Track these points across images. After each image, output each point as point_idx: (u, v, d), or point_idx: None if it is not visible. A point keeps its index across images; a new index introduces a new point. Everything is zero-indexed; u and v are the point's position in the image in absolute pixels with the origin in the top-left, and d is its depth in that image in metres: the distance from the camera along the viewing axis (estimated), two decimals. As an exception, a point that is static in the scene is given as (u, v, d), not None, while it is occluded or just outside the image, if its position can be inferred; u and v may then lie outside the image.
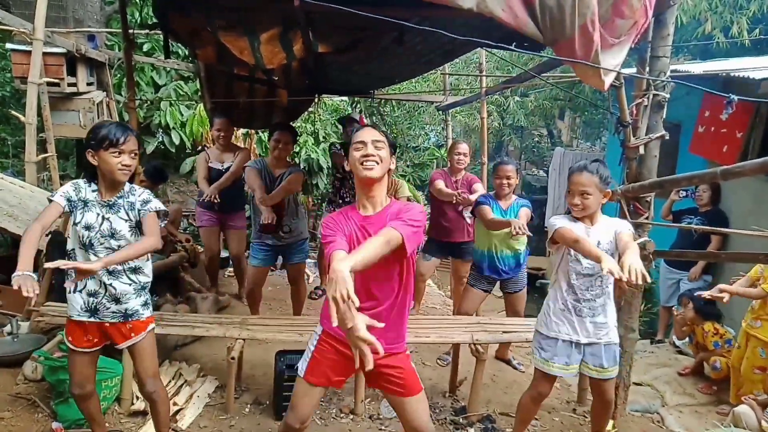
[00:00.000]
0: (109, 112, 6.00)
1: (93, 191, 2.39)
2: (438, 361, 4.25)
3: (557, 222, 2.62)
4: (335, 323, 1.64)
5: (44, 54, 5.05)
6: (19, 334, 3.47)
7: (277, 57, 3.37)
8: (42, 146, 4.97)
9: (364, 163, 2.05)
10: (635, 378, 4.34)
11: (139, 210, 2.38)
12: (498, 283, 3.99)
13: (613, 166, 2.94)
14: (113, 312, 2.41)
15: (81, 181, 2.41)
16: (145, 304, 2.49)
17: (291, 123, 6.22)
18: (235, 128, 5.06)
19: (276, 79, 4.95)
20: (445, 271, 6.07)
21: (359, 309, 1.69)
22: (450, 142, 5.85)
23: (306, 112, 7.03)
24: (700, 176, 2.64)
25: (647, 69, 2.89)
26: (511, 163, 3.79)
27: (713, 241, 4.75)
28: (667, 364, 4.60)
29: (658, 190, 2.94)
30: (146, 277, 2.50)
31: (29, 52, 4.32)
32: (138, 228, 2.41)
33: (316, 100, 6.38)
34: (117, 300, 2.40)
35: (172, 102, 7.03)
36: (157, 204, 2.42)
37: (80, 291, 2.38)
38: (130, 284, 2.42)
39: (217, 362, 3.76)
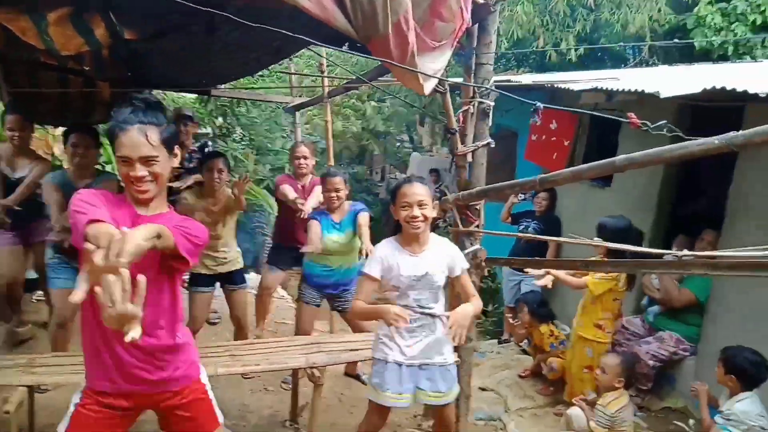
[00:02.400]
0: None
1: None
2: (282, 384, 3.92)
3: (370, 264, 2.44)
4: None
5: None
6: None
7: (72, 42, 2.86)
8: None
9: (137, 186, 1.69)
10: (480, 382, 4.41)
11: None
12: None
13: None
14: None
15: None
16: None
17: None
18: (34, 127, 4.27)
19: (87, 69, 4.31)
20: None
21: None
22: (299, 146, 5.55)
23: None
24: (521, 184, 2.66)
25: (472, 77, 2.85)
26: (338, 175, 3.57)
27: (550, 244, 5.02)
28: (510, 366, 4.74)
29: (485, 198, 2.91)
30: None
31: None
32: None
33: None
34: None
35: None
36: None
37: None
38: None
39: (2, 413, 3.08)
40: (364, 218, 3.50)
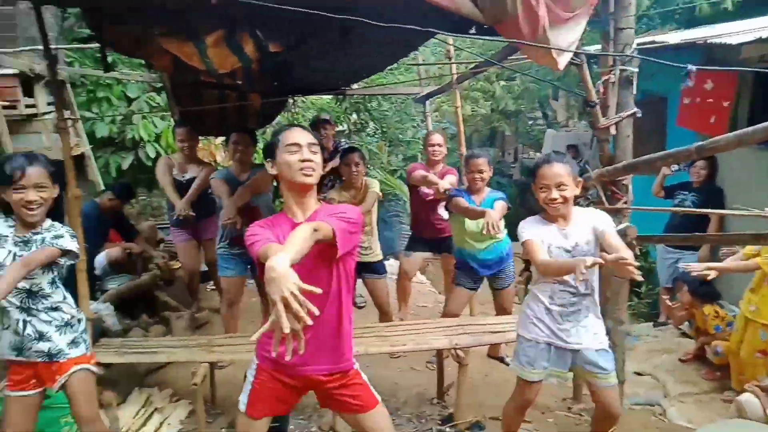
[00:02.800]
0: (75, 131, 5.83)
1: (10, 226, 2.21)
2: (428, 364, 4.06)
3: (525, 232, 2.40)
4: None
5: (-5, 77, 4.91)
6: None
7: (228, 60, 3.23)
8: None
9: (304, 170, 1.90)
10: (636, 367, 4.16)
11: (48, 242, 2.19)
12: (485, 279, 3.81)
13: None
14: (37, 351, 2.24)
15: None
16: (73, 342, 2.31)
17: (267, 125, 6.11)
18: (199, 137, 4.87)
19: (240, 83, 4.79)
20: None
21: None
22: (431, 134, 5.64)
23: (287, 114, 6.87)
24: (674, 155, 2.45)
25: (611, 44, 2.68)
26: (482, 156, 3.58)
27: (712, 218, 4.53)
28: (669, 350, 4.40)
29: (634, 172, 2.73)
30: (68, 314, 2.32)
31: (-24, 76, 4.15)
32: (50, 267, 2.22)
33: (291, 101, 6.20)
34: (40, 338, 2.23)
35: (145, 115, 6.85)
36: (66, 243, 2.21)
37: (6, 328, 2.22)
38: (50, 321, 2.25)
39: (192, 386, 3.59)
40: (501, 207, 3.49)
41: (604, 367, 2.42)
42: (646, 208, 2.98)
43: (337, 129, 7.52)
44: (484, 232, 3.05)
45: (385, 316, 4.16)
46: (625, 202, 2.81)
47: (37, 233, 2.21)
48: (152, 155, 6.89)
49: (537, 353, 2.48)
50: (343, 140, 5.95)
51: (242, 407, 2.04)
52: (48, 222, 2.25)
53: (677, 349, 4.38)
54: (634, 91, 2.75)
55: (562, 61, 2.21)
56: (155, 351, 3.20)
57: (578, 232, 2.37)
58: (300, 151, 1.90)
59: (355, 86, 6.17)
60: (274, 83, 5.10)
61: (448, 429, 3.16)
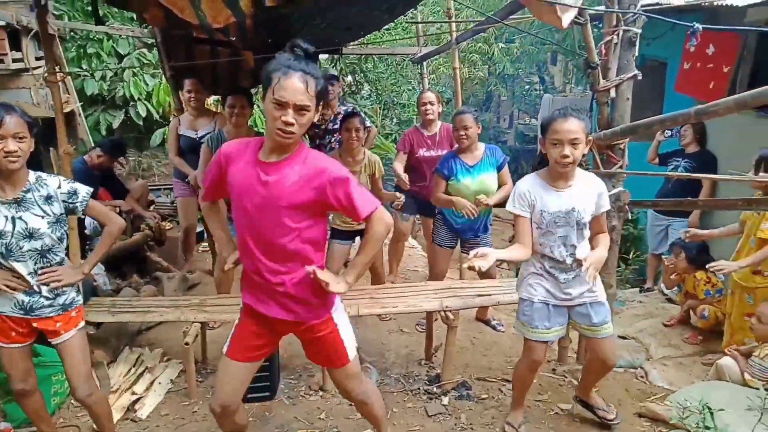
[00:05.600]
0: (65, 87, 5.67)
1: None
2: (417, 327, 4.10)
3: (517, 204, 2.41)
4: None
5: (-21, 28, 4.73)
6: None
7: (221, 14, 3.10)
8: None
9: (282, 130, 1.77)
10: (620, 331, 4.22)
11: (71, 204, 2.22)
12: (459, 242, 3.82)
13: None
14: (50, 307, 2.25)
15: None
16: (78, 291, 2.36)
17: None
18: (206, 91, 4.75)
19: (234, 39, 4.65)
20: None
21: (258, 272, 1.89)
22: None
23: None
24: (672, 118, 2.41)
25: (616, 3, 2.60)
26: (467, 113, 3.49)
27: (704, 184, 4.53)
28: (653, 315, 4.46)
29: (632, 136, 2.70)
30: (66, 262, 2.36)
31: (-40, 27, 4.00)
32: (58, 223, 2.21)
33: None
34: (56, 296, 2.25)
35: (136, 72, 6.69)
36: (86, 190, 2.27)
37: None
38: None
39: (182, 345, 3.61)
40: (507, 175, 3.56)
41: (600, 320, 2.47)
42: (641, 173, 2.96)
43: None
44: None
45: (377, 279, 4.18)
46: (621, 167, 2.78)
47: (26, 191, 2.15)
48: (143, 114, 6.79)
49: (534, 312, 2.51)
50: (354, 106, 5.76)
51: (224, 350, 2.11)
52: (33, 175, 2.19)
53: (662, 314, 4.43)
54: (636, 54, 2.69)
55: (566, 18, 2.14)
56: (147, 310, 3.20)
57: (578, 196, 2.35)
58: (286, 112, 1.75)
59: (350, 46, 6.03)
60: (268, 40, 4.96)
61: (435, 388, 3.22)
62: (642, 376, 3.52)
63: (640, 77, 2.72)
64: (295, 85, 1.73)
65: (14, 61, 5.11)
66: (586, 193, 2.36)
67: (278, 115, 1.75)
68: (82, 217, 2.34)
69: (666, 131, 4.71)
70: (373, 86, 10.05)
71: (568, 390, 3.22)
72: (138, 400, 3.03)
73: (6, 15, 4.89)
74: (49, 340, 2.32)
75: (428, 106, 4.15)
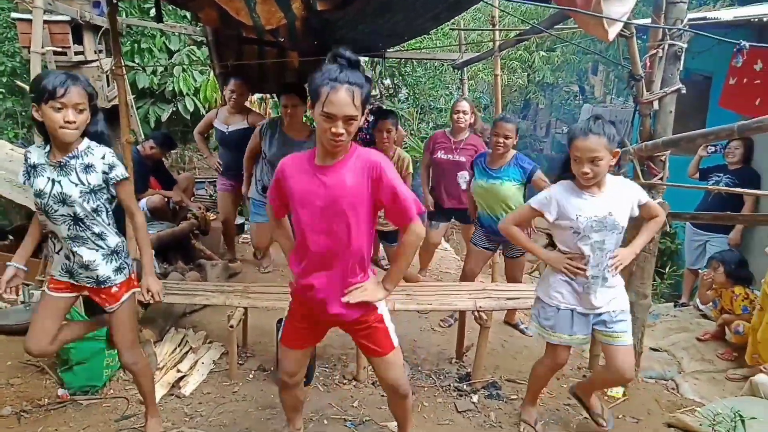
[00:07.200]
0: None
1: (45, 153, 2.18)
2: (440, 322, 4.17)
3: (541, 201, 2.48)
4: None
5: (49, 22, 5.03)
6: (30, 303, 3.52)
7: (275, 17, 3.26)
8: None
9: (333, 141, 1.87)
10: (653, 343, 4.22)
11: (106, 175, 2.20)
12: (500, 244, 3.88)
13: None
14: (86, 278, 2.31)
15: (33, 147, 2.29)
16: (119, 269, 2.34)
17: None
18: (250, 93, 4.97)
19: (282, 40, 4.82)
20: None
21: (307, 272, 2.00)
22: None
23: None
24: (716, 132, 2.44)
25: (662, 17, 2.65)
26: (512, 121, 3.57)
27: (746, 201, 4.48)
28: (687, 329, 4.43)
29: (673, 148, 2.73)
30: (113, 241, 2.32)
31: (31, 21, 4.27)
32: (93, 194, 2.19)
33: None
34: (86, 267, 2.27)
35: (185, 68, 6.97)
36: (122, 170, 2.25)
37: (59, 252, 2.32)
38: (96, 250, 2.28)
39: (225, 329, 3.76)
40: (542, 180, 3.57)
41: (619, 328, 2.50)
42: (681, 185, 2.98)
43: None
44: None
45: (408, 279, 4.27)
46: (661, 178, 2.82)
47: (73, 157, 2.16)
48: (191, 108, 7.05)
49: (559, 319, 2.55)
50: (382, 104, 5.92)
51: (280, 335, 2.30)
52: (84, 143, 2.18)
53: (696, 329, 4.40)
54: (681, 68, 2.72)
55: (613, 31, 2.19)
56: (194, 294, 3.37)
57: (611, 202, 2.39)
58: (336, 124, 1.83)
59: (390, 50, 6.15)
60: (314, 43, 5.12)
61: (465, 386, 3.29)
62: (673, 389, 3.53)
63: (684, 91, 2.75)
64: (342, 99, 1.81)
65: (76, 54, 5.40)
66: (621, 197, 2.41)
67: (328, 127, 1.86)
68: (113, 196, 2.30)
69: (709, 147, 4.68)
70: (410, 90, 10.14)
71: (598, 397, 3.25)
72: (182, 378, 3.20)
73: (71, 10, 5.19)
74: (105, 308, 2.41)
75: (461, 115, 4.26)
